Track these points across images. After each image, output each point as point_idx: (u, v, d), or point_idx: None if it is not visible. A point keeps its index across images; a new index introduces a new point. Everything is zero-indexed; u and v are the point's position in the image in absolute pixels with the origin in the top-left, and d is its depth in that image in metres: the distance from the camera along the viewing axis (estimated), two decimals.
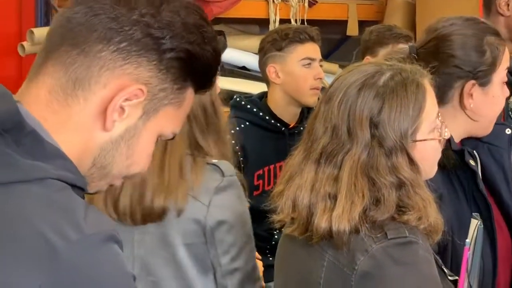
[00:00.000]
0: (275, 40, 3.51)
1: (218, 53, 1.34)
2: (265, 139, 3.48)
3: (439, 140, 1.90)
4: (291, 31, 3.51)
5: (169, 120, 1.31)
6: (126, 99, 1.25)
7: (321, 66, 3.58)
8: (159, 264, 2.35)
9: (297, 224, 1.84)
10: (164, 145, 2.27)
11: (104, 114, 1.25)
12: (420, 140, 1.84)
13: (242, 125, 3.44)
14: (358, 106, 1.80)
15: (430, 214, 1.80)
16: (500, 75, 2.26)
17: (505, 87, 2.31)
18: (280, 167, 3.50)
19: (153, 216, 2.30)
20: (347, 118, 1.81)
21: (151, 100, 1.28)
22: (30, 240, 1.11)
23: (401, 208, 1.78)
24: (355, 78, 1.84)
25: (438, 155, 1.94)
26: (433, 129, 1.87)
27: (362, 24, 4.79)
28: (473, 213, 2.12)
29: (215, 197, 2.32)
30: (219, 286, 2.38)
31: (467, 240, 1.98)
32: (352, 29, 5.02)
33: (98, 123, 1.25)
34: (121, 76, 1.25)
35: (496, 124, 2.34)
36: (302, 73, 3.49)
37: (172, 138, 1.36)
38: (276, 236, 3.40)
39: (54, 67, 1.26)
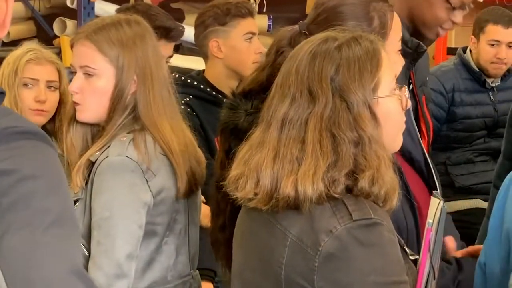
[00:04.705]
0: (218, 15, 3.51)
1: None
2: (208, 111, 3.47)
3: (402, 107, 1.92)
4: (232, 5, 3.52)
5: None
6: None
7: None
8: None
9: (261, 195, 1.81)
10: None
11: None
12: (382, 97, 1.85)
13: (187, 99, 3.43)
14: (316, 67, 1.83)
15: (385, 173, 1.80)
16: (392, 44, 2.22)
17: (401, 56, 2.27)
18: None
19: None
20: (306, 81, 1.83)
21: None
22: None
23: (354, 172, 1.78)
24: (308, 46, 1.88)
25: (401, 124, 1.94)
26: (393, 90, 1.89)
27: None
28: (433, 191, 2.13)
29: None
30: None
31: (429, 221, 1.98)
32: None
33: None
34: None
35: None
36: (244, 47, 3.52)
37: None
38: None
39: None
